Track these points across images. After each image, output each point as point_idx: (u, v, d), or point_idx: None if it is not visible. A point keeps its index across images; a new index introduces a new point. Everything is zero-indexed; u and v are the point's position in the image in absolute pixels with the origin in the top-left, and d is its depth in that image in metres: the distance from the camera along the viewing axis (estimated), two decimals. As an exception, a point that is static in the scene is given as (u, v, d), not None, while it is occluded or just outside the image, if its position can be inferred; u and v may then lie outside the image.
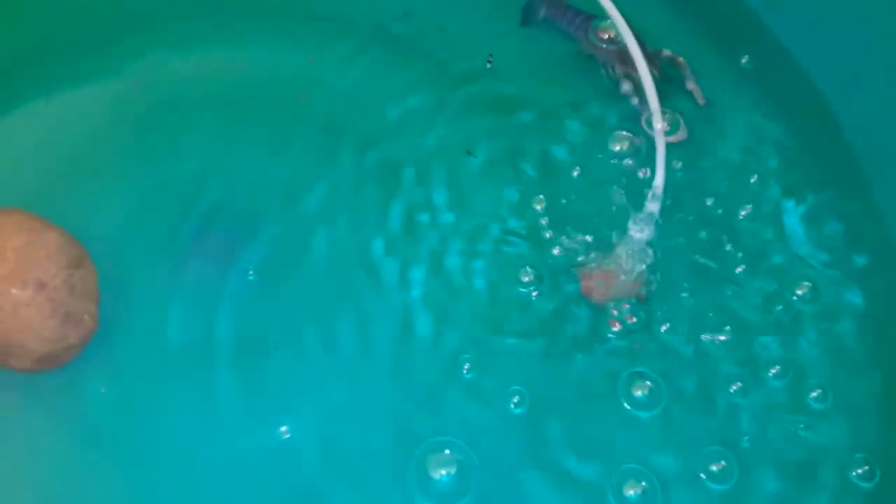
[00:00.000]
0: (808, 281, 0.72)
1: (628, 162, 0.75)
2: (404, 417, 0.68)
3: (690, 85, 0.77)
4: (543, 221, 0.73)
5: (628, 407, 0.68)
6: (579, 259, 0.72)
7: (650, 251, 0.71)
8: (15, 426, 0.67)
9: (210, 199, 0.75)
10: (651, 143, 0.74)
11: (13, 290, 0.64)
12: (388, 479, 0.66)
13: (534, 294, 0.71)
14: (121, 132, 0.78)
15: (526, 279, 0.72)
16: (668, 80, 0.77)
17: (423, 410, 0.69)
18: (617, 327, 0.70)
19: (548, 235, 0.73)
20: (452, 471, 0.65)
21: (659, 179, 0.71)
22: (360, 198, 0.76)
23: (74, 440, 0.67)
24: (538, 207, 0.74)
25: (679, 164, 0.75)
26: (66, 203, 0.74)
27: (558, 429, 0.68)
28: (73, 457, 0.67)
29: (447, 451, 0.66)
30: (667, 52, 0.78)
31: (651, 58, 0.76)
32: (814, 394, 0.69)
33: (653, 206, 0.71)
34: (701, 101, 0.77)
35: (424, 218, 0.74)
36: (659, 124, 0.72)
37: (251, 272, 0.72)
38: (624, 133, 0.76)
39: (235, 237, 0.74)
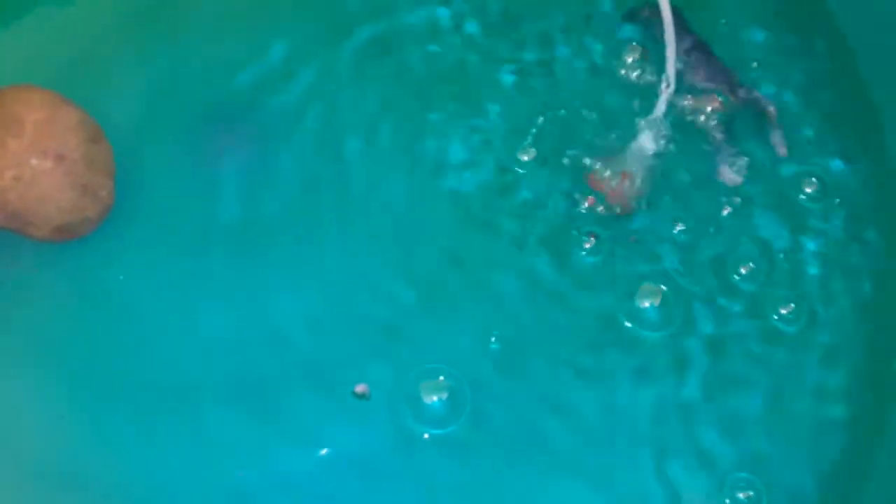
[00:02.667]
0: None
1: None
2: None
3: (775, 138, 0.74)
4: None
5: (630, 325, 0.69)
6: (587, 162, 0.73)
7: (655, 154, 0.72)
8: (32, 292, 0.70)
9: (223, 88, 0.77)
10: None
11: (33, 161, 0.66)
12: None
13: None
14: (139, 23, 0.79)
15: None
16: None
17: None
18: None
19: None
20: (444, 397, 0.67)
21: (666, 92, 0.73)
22: (371, 89, 0.77)
23: (87, 308, 0.70)
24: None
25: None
26: (85, 85, 0.75)
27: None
28: (85, 324, 0.70)
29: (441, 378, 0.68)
30: (756, 94, 0.75)
31: (737, 90, 0.74)
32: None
33: (661, 105, 0.73)
34: (782, 152, 0.74)
35: (432, 105, 0.76)
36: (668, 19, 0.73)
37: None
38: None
39: (249, 127, 0.76)
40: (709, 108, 0.73)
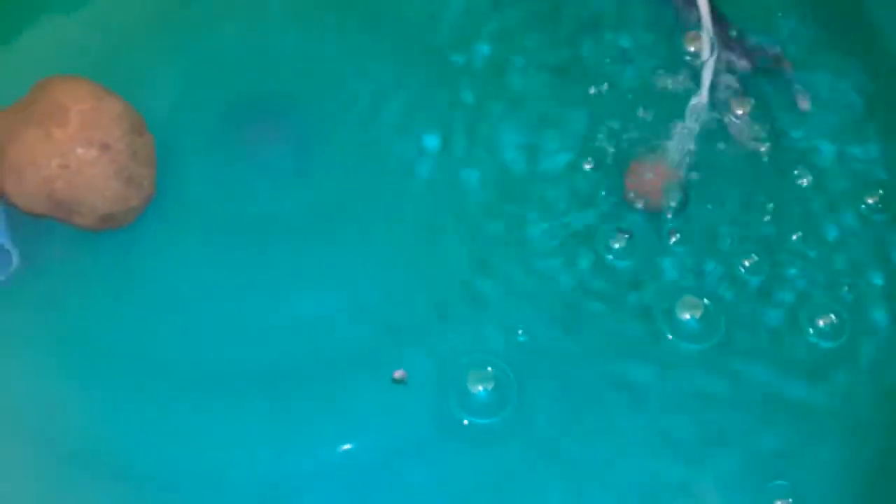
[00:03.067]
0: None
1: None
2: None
3: (796, 92, 0.75)
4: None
5: (670, 337, 0.69)
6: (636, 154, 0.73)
7: (691, 152, 0.73)
8: (74, 278, 0.71)
9: (264, 80, 0.78)
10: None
11: (79, 150, 0.67)
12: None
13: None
14: (178, 12, 0.80)
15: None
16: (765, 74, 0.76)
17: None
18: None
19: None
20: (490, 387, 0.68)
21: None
22: (409, 82, 0.78)
23: (126, 294, 0.71)
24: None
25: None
26: (125, 76, 0.75)
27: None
28: (123, 310, 0.70)
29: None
30: (775, 51, 0.75)
31: (750, 53, 0.75)
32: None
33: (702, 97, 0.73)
34: (804, 106, 0.74)
35: (468, 97, 0.77)
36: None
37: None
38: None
39: (288, 119, 0.77)
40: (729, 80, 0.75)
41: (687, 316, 0.69)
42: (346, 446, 0.67)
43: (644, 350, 0.69)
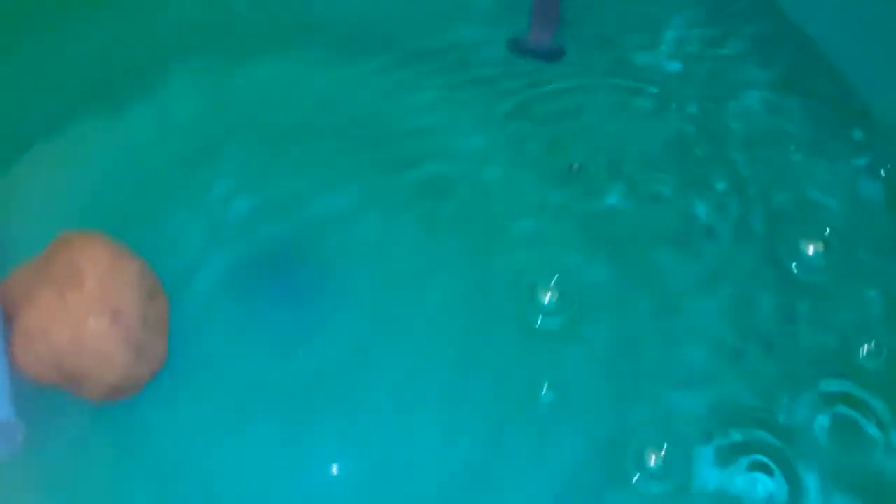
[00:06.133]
0: None
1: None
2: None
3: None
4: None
5: None
6: None
7: None
8: (80, 447, 0.69)
9: (282, 236, 0.77)
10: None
11: (90, 320, 0.66)
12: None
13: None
14: (195, 163, 0.79)
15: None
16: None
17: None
18: None
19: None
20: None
21: None
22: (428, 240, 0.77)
23: (137, 473, 0.69)
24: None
25: None
26: (142, 231, 0.74)
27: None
28: (130, 482, 0.68)
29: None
30: None
31: None
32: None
33: None
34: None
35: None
36: None
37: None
38: None
39: (308, 281, 0.75)
40: None
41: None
42: None
43: None
